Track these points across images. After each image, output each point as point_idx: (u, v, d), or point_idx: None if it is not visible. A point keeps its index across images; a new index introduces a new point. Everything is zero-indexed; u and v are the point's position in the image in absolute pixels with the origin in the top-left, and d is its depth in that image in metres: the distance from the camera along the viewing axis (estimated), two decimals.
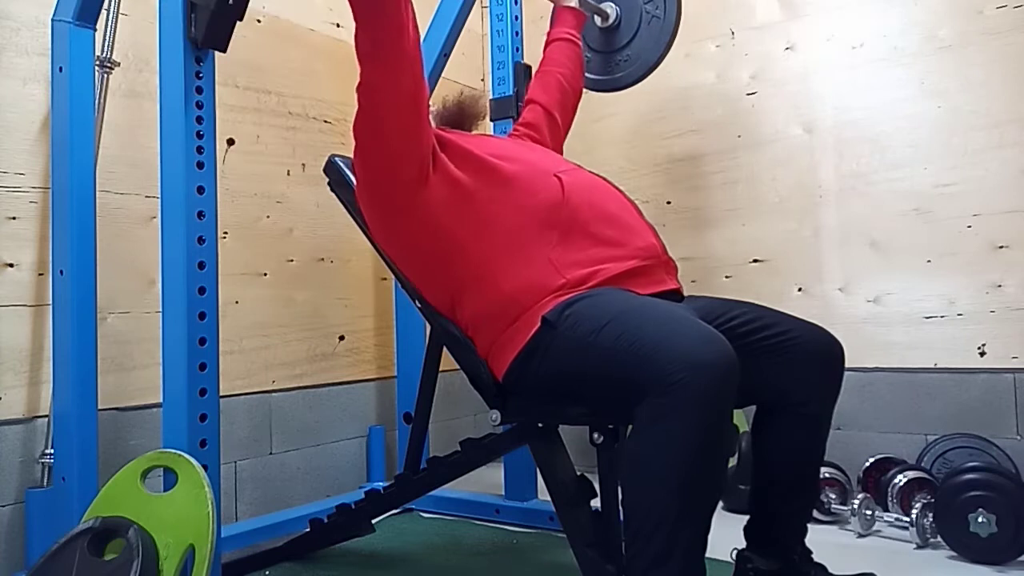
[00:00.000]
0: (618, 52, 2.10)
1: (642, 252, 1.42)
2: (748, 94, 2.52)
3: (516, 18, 2.34)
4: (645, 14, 2.06)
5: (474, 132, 1.81)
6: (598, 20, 2.07)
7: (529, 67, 2.27)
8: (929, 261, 2.21)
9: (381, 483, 2.21)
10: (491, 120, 2.26)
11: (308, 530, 1.85)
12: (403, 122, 1.38)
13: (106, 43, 1.79)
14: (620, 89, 2.16)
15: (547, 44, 2.00)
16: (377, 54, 1.33)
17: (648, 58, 2.09)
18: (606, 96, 2.80)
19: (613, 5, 2.08)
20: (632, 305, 1.27)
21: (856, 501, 1.93)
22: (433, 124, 1.71)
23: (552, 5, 2.05)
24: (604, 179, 1.58)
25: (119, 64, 1.84)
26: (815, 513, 1.90)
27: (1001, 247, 2.12)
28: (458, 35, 2.40)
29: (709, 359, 1.10)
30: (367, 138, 1.41)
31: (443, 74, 2.42)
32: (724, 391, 1.11)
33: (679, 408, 1.09)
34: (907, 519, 1.85)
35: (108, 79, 1.80)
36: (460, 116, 1.75)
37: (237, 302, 2.12)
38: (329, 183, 1.79)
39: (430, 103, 1.77)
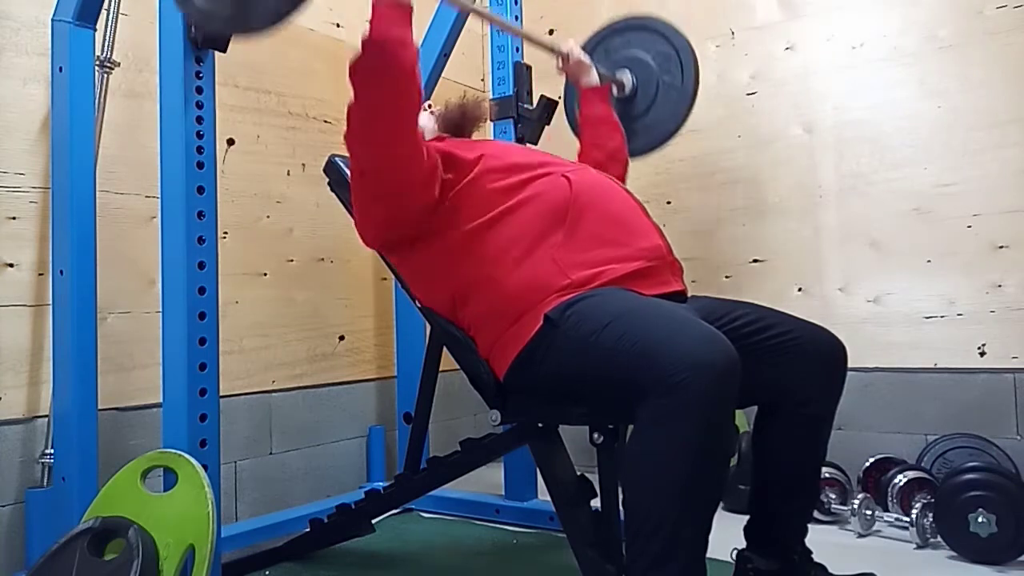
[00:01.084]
0: (635, 121, 2.03)
1: (647, 253, 1.42)
2: (748, 94, 2.52)
3: (516, 18, 2.34)
4: (662, 83, 2.01)
5: (475, 135, 1.81)
6: (614, 90, 2.01)
7: (529, 67, 2.28)
8: (929, 261, 2.21)
9: (381, 483, 2.21)
10: (491, 120, 2.26)
11: (308, 530, 1.85)
12: (412, 201, 1.43)
13: (106, 43, 1.79)
14: (635, 156, 2.05)
15: (581, 125, 1.94)
16: (382, 138, 1.36)
17: (665, 128, 2.03)
18: None
19: (629, 74, 2.03)
20: (634, 305, 1.27)
21: (856, 501, 1.93)
22: (435, 129, 1.72)
23: (573, 84, 2.00)
24: (612, 179, 1.57)
25: (119, 64, 1.84)
26: (815, 513, 1.90)
27: (1001, 247, 2.12)
28: (458, 35, 2.40)
29: (711, 359, 1.10)
30: (366, 211, 1.47)
31: (443, 74, 2.42)
32: (726, 391, 1.11)
33: (681, 408, 1.09)
34: (907, 519, 1.85)
35: (108, 79, 1.80)
36: (462, 120, 1.75)
37: (237, 302, 2.12)
38: (329, 183, 1.79)
39: (432, 104, 1.77)
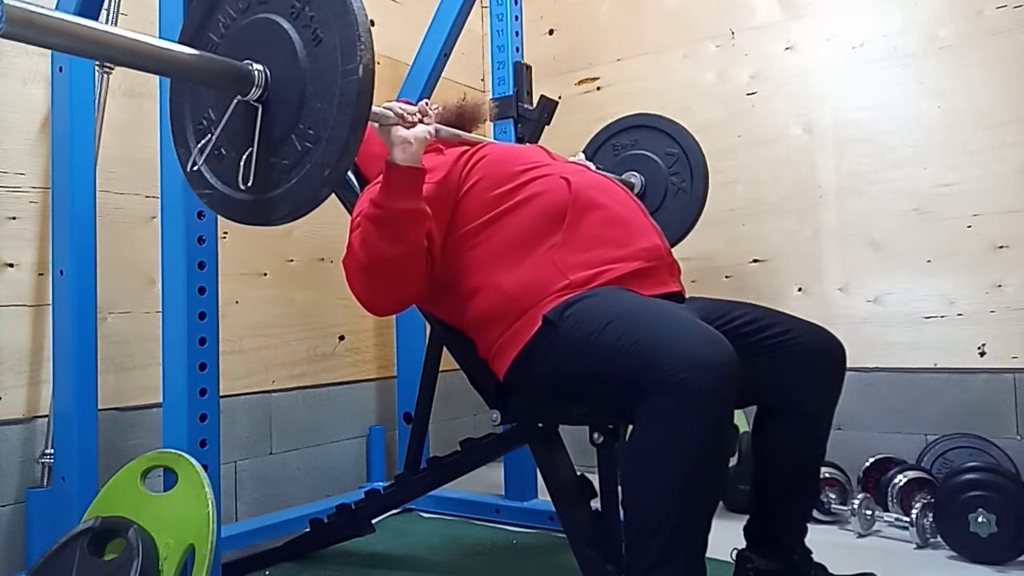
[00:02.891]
0: None
1: (646, 253, 1.42)
2: (748, 94, 2.52)
3: (516, 18, 2.34)
4: (671, 186, 2.01)
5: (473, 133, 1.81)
6: None
7: (529, 67, 2.27)
8: (929, 261, 2.21)
9: (381, 483, 2.21)
10: (491, 120, 2.26)
11: (308, 530, 1.85)
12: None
13: None
14: None
15: None
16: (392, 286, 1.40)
17: (673, 232, 2.00)
18: (606, 96, 2.80)
19: (637, 175, 2.03)
20: (634, 305, 1.27)
21: (856, 501, 1.93)
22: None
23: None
24: (611, 180, 1.57)
25: None
26: (815, 513, 1.90)
27: (1001, 247, 2.12)
28: (458, 35, 2.40)
29: (711, 359, 1.10)
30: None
31: (443, 74, 2.42)
32: (726, 391, 1.11)
33: (681, 408, 1.09)
34: (907, 519, 1.85)
35: (108, 79, 1.80)
36: (459, 122, 1.75)
37: (237, 302, 2.12)
38: None
39: (430, 103, 1.76)
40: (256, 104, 1.11)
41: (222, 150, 1.16)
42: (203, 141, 1.17)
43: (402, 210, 1.31)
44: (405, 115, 1.32)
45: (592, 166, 1.85)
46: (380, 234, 1.31)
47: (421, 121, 1.35)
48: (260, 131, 1.10)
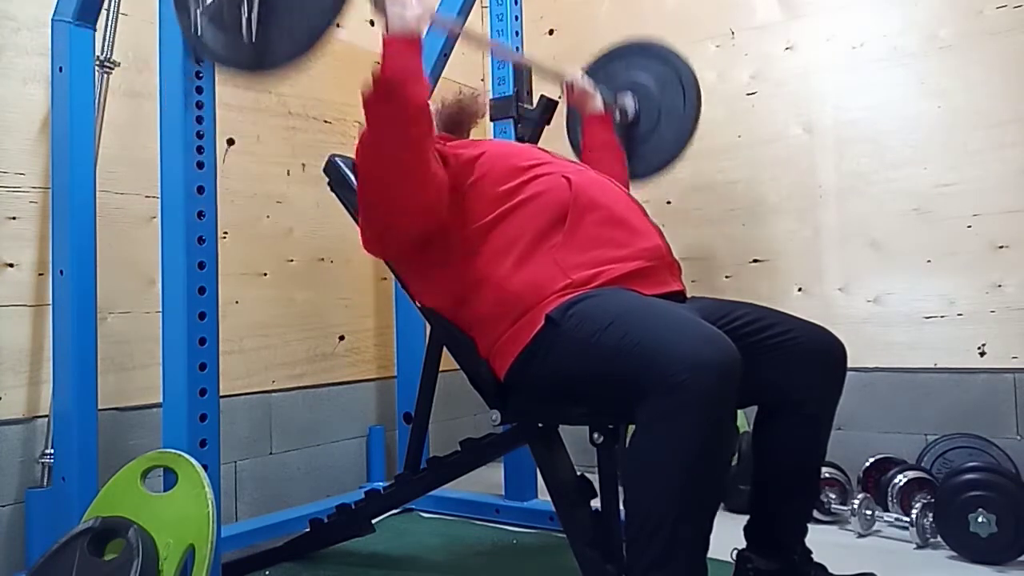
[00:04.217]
0: (639, 145, 2.01)
1: (647, 253, 1.42)
2: (748, 94, 2.52)
3: (516, 18, 2.34)
4: (664, 108, 1.99)
5: (473, 132, 1.81)
6: (617, 115, 2.00)
7: (529, 67, 2.27)
8: (929, 261, 2.21)
9: (381, 483, 2.21)
10: (491, 120, 2.26)
11: (308, 530, 1.85)
12: (420, 226, 1.44)
13: (106, 43, 1.79)
14: (640, 181, 2.03)
15: (584, 152, 1.92)
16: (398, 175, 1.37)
17: (668, 153, 2.01)
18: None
19: (631, 99, 2.01)
20: (636, 305, 1.27)
21: (856, 501, 1.93)
22: (435, 126, 1.72)
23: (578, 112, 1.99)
24: (611, 180, 1.58)
25: (119, 64, 1.84)
26: (815, 513, 1.90)
27: (1001, 247, 2.12)
28: (458, 35, 2.39)
29: (712, 359, 1.10)
30: (375, 238, 1.48)
31: (443, 74, 2.42)
32: (727, 391, 1.11)
33: (682, 408, 1.09)
34: (907, 519, 1.85)
35: (108, 79, 1.80)
36: (460, 115, 1.76)
37: (237, 302, 2.12)
38: (329, 183, 1.79)
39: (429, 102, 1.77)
40: None
41: (223, 8, 1.20)
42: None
43: (402, 73, 1.32)
44: None
45: (591, 86, 1.88)
46: (384, 101, 1.32)
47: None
48: None
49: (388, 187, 1.39)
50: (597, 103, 1.88)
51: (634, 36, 2.12)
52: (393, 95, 1.31)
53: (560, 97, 1.92)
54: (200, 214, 1.42)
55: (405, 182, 1.37)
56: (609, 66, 2.07)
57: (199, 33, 1.24)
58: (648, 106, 2.01)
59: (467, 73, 2.96)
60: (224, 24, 1.21)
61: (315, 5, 1.13)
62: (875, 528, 1.95)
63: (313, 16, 1.14)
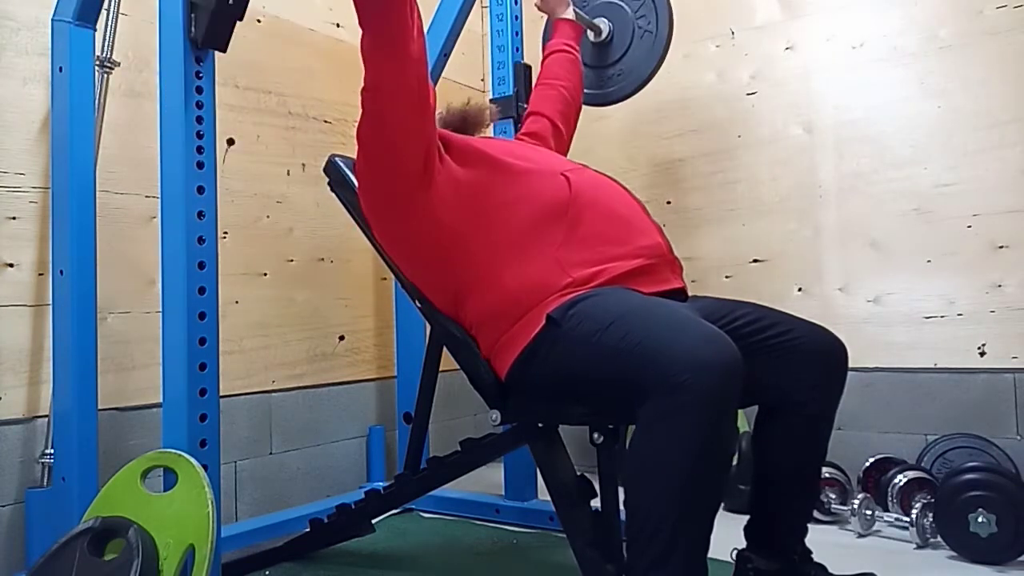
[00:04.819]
0: (611, 67, 2.11)
1: (647, 251, 1.42)
2: (748, 94, 2.52)
3: (516, 18, 2.34)
4: (637, 29, 2.07)
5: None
6: (591, 35, 2.08)
7: (529, 67, 2.27)
8: (929, 261, 2.21)
9: (381, 483, 2.21)
10: (491, 122, 2.26)
11: (308, 530, 1.85)
12: (407, 121, 1.38)
13: (106, 43, 1.79)
14: (612, 103, 2.18)
15: (546, 56, 2.01)
16: (382, 55, 1.33)
17: (640, 72, 2.10)
18: None
19: (606, 20, 2.09)
20: (637, 305, 1.27)
21: (856, 501, 1.93)
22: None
23: (548, 16, 2.06)
24: (611, 178, 1.58)
25: (119, 64, 1.84)
26: (815, 513, 1.90)
27: (1001, 247, 2.12)
28: (458, 35, 2.40)
29: (713, 359, 1.10)
30: (371, 139, 1.41)
31: (443, 74, 2.42)
32: (728, 391, 1.10)
33: (683, 409, 1.09)
34: (907, 519, 1.85)
35: (108, 79, 1.80)
36: (463, 124, 1.75)
37: (237, 302, 2.12)
38: (329, 183, 1.79)
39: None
40: None
41: None
42: None
43: None
44: None
45: (571, 10, 1.98)
46: None
47: None
48: None
49: (377, 45, 1.34)
50: (568, 8, 1.98)
51: None
52: None
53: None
54: (200, 214, 1.42)
55: (390, 28, 1.32)
56: None
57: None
58: (622, 27, 2.07)
59: (467, 73, 2.96)
60: None
61: None
62: (875, 528, 1.95)
63: None
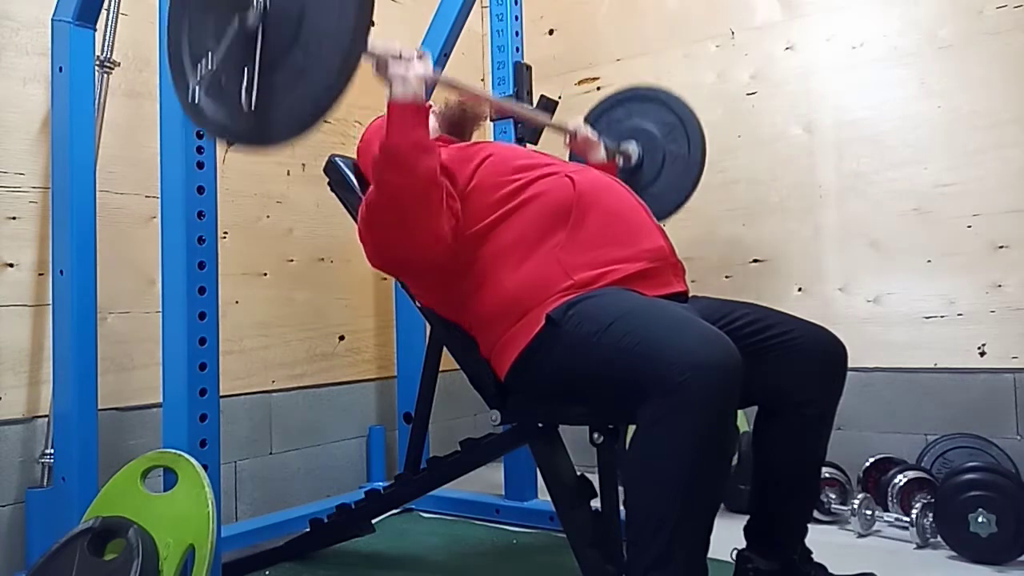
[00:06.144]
0: (644, 190, 1.96)
1: (651, 254, 1.42)
2: (748, 94, 2.52)
3: (516, 18, 2.34)
4: (668, 153, 2.00)
5: (475, 136, 1.81)
6: (620, 161, 2.00)
7: (529, 67, 2.27)
8: (929, 261, 2.21)
9: (381, 483, 2.21)
10: (491, 120, 2.26)
11: (308, 530, 1.85)
12: (426, 259, 1.43)
13: (106, 43, 1.79)
14: None
15: None
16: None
17: (675, 197, 2.01)
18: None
19: (635, 145, 2.02)
20: (636, 305, 1.27)
21: (856, 501, 1.93)
22: (436, 128, 1.72)
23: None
24: (615, 180, 1.57)
25: (119, 64, 1.84)
26: (815, 513, 1.90)
27: (1001, 247, 2.12)
28: (458, 35, 2.40)
29: (713, 360, 1.10)
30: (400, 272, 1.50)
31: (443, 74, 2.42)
32: (728, 391, 1.11)
33: (683, 409, 1.09)
34: (907, 519, 1.85)
35: (108, 79, 1.80)
36: (463, 118, 1.75)
37: (237, 302, 2.12)
38: (329, 183, 1.79)
39: (432, 104, 1.77)
40: (255, 25, 1.12)
41: (221, 78, 1.17)
42: (202, 68, 1.18)
43: (409, 144, 1.31)
44: (401, 53, 1.32)
45: (594, 135, 1.88)
46: (390, 170, 1.32)
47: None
48: (261, 51, 1.11)
49: (397, 247, 1.40)
50: (600, 152, 1.88)
51: (635, 83, 2.13)
52: (402, 166, 1.31)
53: (566, 145, 1.93)
54: (200, 214, 1.42)
55: (414, 236, 1.37)
56: (611, 113, 2.08)
57: (196, 102, 1.19)
58: (652, 150, 2.01)
59: (467, 73, 2.96)
60: (222, 94, 1.17)
61: (318, 78, 1.07)
62: (875, 528, 1.95)
63: (316, 88, 1.08)
